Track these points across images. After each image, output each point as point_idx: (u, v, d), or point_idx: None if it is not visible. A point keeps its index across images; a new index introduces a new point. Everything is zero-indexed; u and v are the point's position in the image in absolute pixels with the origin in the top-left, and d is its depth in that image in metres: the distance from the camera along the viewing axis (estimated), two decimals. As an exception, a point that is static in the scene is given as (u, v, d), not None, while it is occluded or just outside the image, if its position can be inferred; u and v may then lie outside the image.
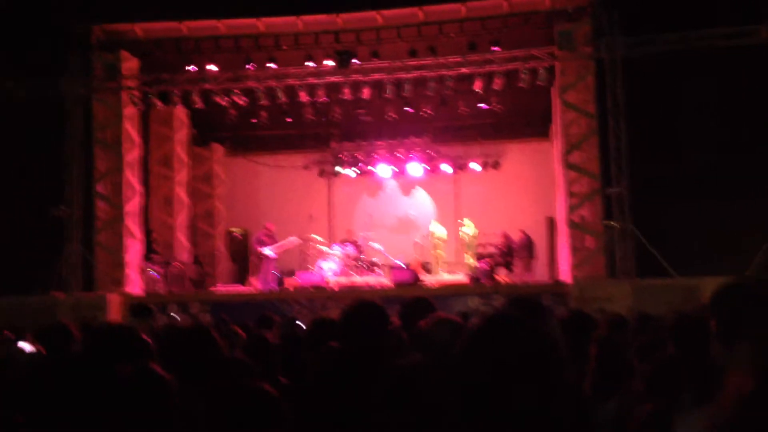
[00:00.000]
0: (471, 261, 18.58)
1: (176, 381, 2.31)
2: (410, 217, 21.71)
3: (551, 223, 19.69)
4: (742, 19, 15.41)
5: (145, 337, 2.97)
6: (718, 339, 1.97)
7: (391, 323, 3.64)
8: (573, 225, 16.21)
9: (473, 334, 1.85)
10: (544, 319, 3.81)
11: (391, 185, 22.30)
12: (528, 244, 18.12)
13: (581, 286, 15.04)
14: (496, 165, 21.32)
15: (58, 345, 4.74)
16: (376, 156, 21.59)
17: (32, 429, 2.64)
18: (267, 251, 17.22)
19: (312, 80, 17.21)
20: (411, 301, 3.91)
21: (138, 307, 15.68)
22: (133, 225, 17.59)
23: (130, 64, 17.60)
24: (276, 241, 17.43)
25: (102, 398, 2.24)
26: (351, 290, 16.36)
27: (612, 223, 15.87)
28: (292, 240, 17.78)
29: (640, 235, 15.33)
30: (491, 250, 17.82)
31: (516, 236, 18.21)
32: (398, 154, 21.44)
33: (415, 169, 21.48)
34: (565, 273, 16.64)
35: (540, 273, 19.34)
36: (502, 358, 1.76)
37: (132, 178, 17.70)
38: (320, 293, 16.35)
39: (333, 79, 17.13)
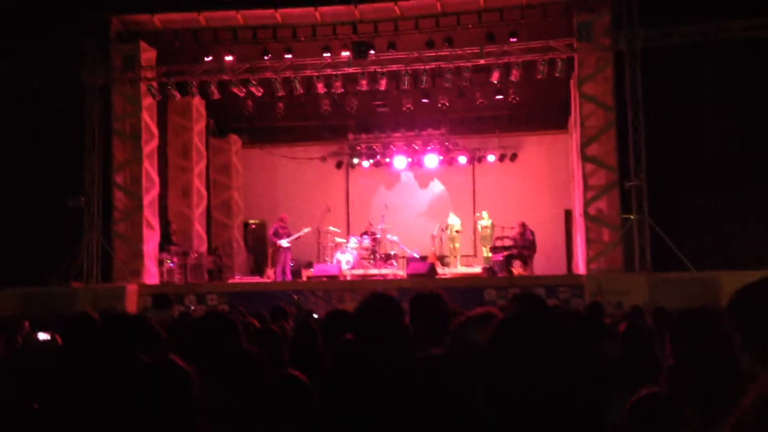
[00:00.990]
0: (487, 253, 18.56)
1: (196, 373, 2.32)
2: (427, 210, 21.69)
3: (568, 216, 19.61)
4: (761, 11, 15.22)
5: (158, 329, 2.99)
6: (742, 344, 1.94)
7: (406, 316, 3.64)
8: (590, 218, 16.13)
9: (500, 328, 1.86)
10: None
11: (408, 177, 22.28)
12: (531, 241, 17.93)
13: (597, 280, 14.97)
14: (513, 157, 21.24)
15: (82, 334, 4.79)
16: (393, 148, 21.59)
17: (48, 417, 2.67)
18: (282, 242, 17.29)
19: (329, 71, 17.21)
20: (421, 295, 3.90)
21: (159, 298, 15.87)
22: (151, 216, 17.69)
23: (148, 54, 17.69)
24: (291, 233, 17.48)
25: (119, 389, 2.26)
26: (366, 282, 16.39)
27: (629, 216, 15.78)
28: (306, 230, 17.84)
29: (658, 229, 15.23)
30: (507, 242, 17.76)
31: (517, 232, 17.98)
32: (415, 146, 21.43)
33: (432, 161, 21.45)
34: (581, 266, 16.58)
35: (557, 266, 19.28)
36: (528, 351, 1.78)
37: (150, 168, 17.80)
38: (336, 284, 16.39)
39: (350, 70, 17.11)
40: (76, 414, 2.50)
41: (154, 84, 17.53)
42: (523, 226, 17.73)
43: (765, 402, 1.15)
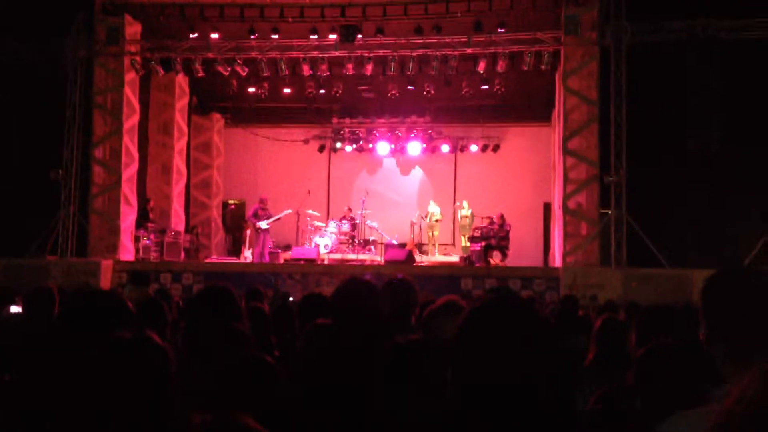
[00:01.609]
0: (465, 243, 18.62)
1: (173, 350, 2.31)
2: (407, 197, 21.71)
3: (547, 209, 19.70)
4: (747, 11, 15.32)
5: (130, 305, 2.97)
6: (705, 331, 1.94)
7: (382, 302, 3.64)
8: (568, 211, 16.21)
9: (473, 314, 1.87)
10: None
11: (390, 163, 22.27)
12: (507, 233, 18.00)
13: (573, 273, 15.08)
14: (495, 148, 21.29)
15: (42, 308, 4.77)
16: (376, 133, 21.55)
17: (22, 389, 2.65)
18: (261, 223, 17.22)
19: (315, 54, 17.11)
20: (392, 281, 3.91)
21: (136, 275, 15.79)
22: (129, 192, 17.55)
23: (133, 28, 17.48)
24: (271, 214, 17.42)
25: (93, 364, 2.24)
26: (344, 266, 16.38)
27: (608, 211, 15.88)
28: (287, 212, 17.79)
29: (634, 225, 15.34)
30: (486, 233, 17.82)
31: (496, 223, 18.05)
32: (398, 133, 21.41)
33: (415, 148, 21.44)
34: (558, 259, 16.68)
35: (534, 257, 19.38)
36: (500, 338, 1.79)
37: (130, 144, 17.64)
38: (313, 268, 16.37)
39: (337, 53, 17.03)
40: (47, 387, 2.47)
41: (138, 59, 17.34)
42: (502, 217, 17.80)
43: (750, 403, 1.15)
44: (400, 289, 3.79)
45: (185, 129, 20.67)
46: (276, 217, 17.44)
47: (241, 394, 2.43)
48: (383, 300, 3.64)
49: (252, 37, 17.01)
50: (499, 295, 3.66)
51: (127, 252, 17.23)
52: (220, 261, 18.48)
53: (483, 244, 17.28)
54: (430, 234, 19.52)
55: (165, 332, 4.45)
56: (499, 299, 1.98)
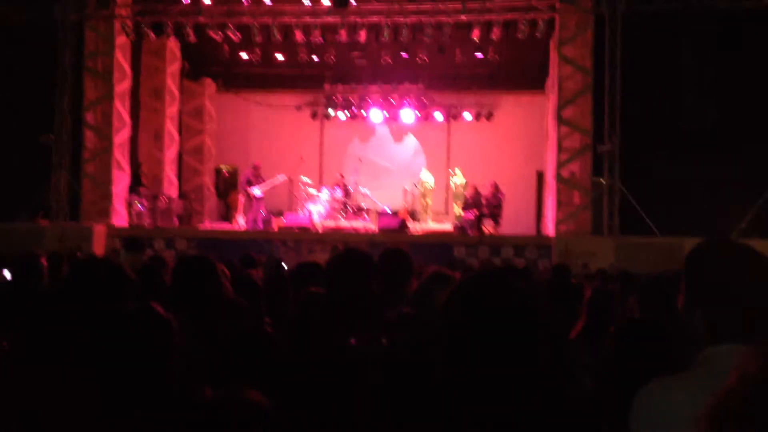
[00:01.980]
0: (458, 211, 18.64)
1: (177, 320, 2.31)
2: (400, 164, 21.68)
3: (540, 177, 19.72)
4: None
5: (130, 273, 2.96)
6: (686, 298, 1.96)
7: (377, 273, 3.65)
8: (561, 180, 16.24)
9: (460, 287, 1.87)
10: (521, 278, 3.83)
11: (383, 131, 22.19)
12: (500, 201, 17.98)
13: (565, 241, 15.15)
14: (489, 116, 21.23)
15: (27, 274, 4.79)
16: (369, 100, 21.43)
17: (19, 356, 2.66)
18: (255, 191, 17.19)
19: (308, 19, 16.96)
20: (388, 251, 3.91)
21: (130, 241, 15.74)
22: (121, 157, 17.47)
23: (124, -8, 17.28)
24: (263, 180, 17.38)
25: (96, 333, 2.24)
26: (337, 234, 16.41)
27: (600, 179, 15.92)
28: (279, 178, 17.75)
29: (627, 193, 15.39)
30: (479, 200, 17.82)
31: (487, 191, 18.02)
32: (391, 100, 21.30)
33: (408, 115, 21.36)
34: (550, 227, 16.74)
35: (527, 226, 19.44)
36: (487, 311, 1.79)
37: (121, 109, 17.52)
38: (306, 235, 16.39)
39: (329, 19, 16.88)
40: (47, 355, 2.48)
41: (129, 23, 17.15)
42: (495, 186, 17.80)
43: (749, 384, 1.14)
44: (395, 259, 3.80)
45: (177, 94, 20.51)
46: (269, 183, 17.40)
47: (241, 366, 2.45)
48: (378, 271, 3.64)
49: (244, 2, 16.83)
50: (485, 270, 3.67)
51: (119, 217, 17.20)
52: (213, 228, 18.45)
53: (476, 212, 17.29)
54: (423, 202, 19.53)
55: (164, 301, 4.45)
56: (484, 272, 1.96)
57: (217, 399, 1.69)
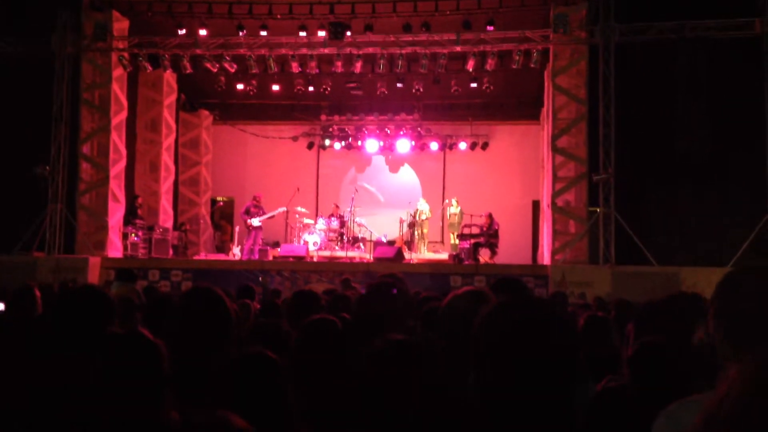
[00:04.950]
0: (455, 240, 18.63)
1: (166, 347, 2.29)
2: (396, 194, 21.70)
3: (536, 207, 19.75)
4: (737, 11, 15.40)
5: (116, 301, 2.96)
6: (719, 332, 1.93)
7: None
8: (557, 209, 16.26)
9: (493, 312, 1.84)
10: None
11: (379, 161, 22.26)
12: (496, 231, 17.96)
13: (562, 270, 15.12)
14: (484, 146, 21.31)
15: (24, 307, 4.76)
16: (365, 131, 21.53)
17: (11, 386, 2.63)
18: (254, 221, 17.19)
19: (304, 51, 17.07)
20: (378, 282, 3.89)
21: (122, 271, 15.64)
22: (117, 188, 17.46)
23: (120, 24, 17.39)
24: (264, 212, 17.41)
25: (83, 360, 2.22)
26: (333, 264, 16.36)
27: (596, 209, 15.94)
28: (280, 209, 17.78)
29: (623, 222, 15.40)
30: (475, 230, 17.85)
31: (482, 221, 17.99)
32: (387, 130, 21.40)
33: (404, 145, 21.44)
34: (546, 257, 16.72)
35: (523, 255, 19.42)
36: (521, 337, 1.75)
37: (118, 140, 17.54)
38: (302, 265, 16.35)
39: (325, 51, 16.99)
40: (32, 385, 2.45)
41: (126, 55, 17.25)
42: (490, 216, 17.83)
43: (733, 403, 1.13)
44: (392, 287, 3.77)
45: (173, 126, 20.58)
46: (270, 215, 17.42)
47: (245, 390, 2.42)
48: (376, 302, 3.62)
49: (240, 33, 16.94)
50: (510, 289, 3.60)
51: (115, 249, 17.14)
52: (208, 258, 18.40)
53: (472, 241, 17.28)
54: (420, 231, 19.52)
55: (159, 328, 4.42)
56: (518, 298, 1.92)
57: (192, 421, 1.66)
